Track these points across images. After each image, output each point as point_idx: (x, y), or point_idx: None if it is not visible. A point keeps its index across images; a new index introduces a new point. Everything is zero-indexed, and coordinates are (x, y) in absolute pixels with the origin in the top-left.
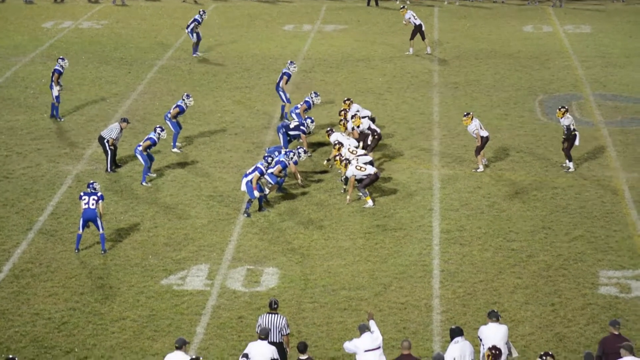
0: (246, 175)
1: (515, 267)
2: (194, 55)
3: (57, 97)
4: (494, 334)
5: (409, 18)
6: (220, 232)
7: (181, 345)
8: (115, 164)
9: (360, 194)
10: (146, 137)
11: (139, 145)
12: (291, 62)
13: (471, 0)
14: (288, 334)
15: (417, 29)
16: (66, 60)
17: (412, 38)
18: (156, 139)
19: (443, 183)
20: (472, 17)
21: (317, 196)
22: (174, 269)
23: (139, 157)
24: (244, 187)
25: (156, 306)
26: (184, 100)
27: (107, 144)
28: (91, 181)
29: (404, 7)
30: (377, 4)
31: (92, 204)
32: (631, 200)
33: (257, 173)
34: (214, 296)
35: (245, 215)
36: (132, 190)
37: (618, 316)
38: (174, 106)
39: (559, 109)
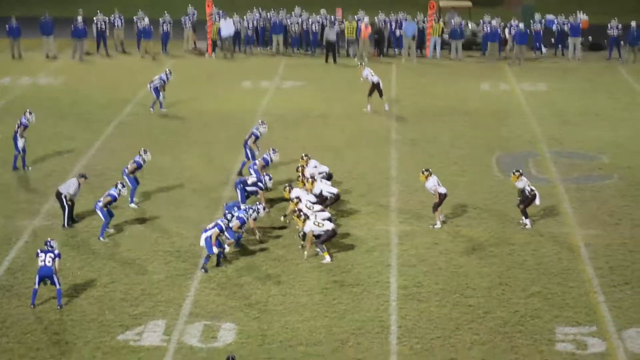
0: (206, 231)
1: (472, 323)
2: (151, 109)
3: (23, 149)
4: None
5: (366, 75)
6: (178, 287)
7: None
8: (73, 219)
9: (318, 249)
10: (106, 193)
11: (99, 201)
12: (262, 122)
13: (429, 58)
14: None
15: (375, 86)
16: (33, 115)
17: (369, 95)
18: (117, 195)
19: (401, 239)
20: (430, 74)
21: (275, 252)
22: (131, 325)
23: (99, 213)
24: (202, 243)
25: None
26: (141, 155)
27: (64, 200)
28: (49, 239)
29: (361, 64)
30: (335, 61)
31: (49, 262)
32: (587, 257)
33: (217, 229)
34: (171, 352)
35: (203, 270)
36: (89, 246)
37: None
38: (132, 162)
39: (513, 173)
